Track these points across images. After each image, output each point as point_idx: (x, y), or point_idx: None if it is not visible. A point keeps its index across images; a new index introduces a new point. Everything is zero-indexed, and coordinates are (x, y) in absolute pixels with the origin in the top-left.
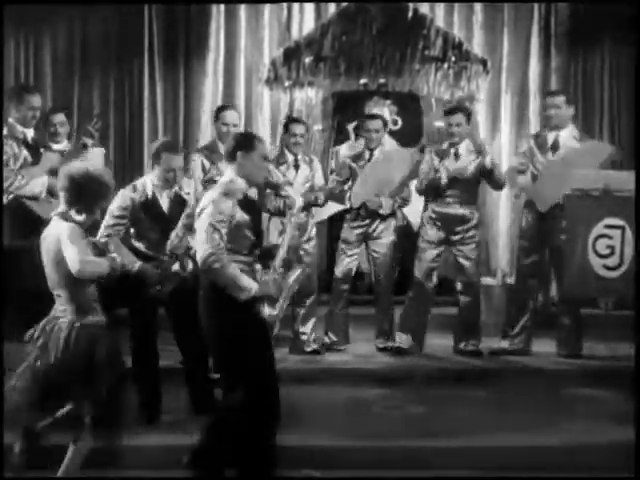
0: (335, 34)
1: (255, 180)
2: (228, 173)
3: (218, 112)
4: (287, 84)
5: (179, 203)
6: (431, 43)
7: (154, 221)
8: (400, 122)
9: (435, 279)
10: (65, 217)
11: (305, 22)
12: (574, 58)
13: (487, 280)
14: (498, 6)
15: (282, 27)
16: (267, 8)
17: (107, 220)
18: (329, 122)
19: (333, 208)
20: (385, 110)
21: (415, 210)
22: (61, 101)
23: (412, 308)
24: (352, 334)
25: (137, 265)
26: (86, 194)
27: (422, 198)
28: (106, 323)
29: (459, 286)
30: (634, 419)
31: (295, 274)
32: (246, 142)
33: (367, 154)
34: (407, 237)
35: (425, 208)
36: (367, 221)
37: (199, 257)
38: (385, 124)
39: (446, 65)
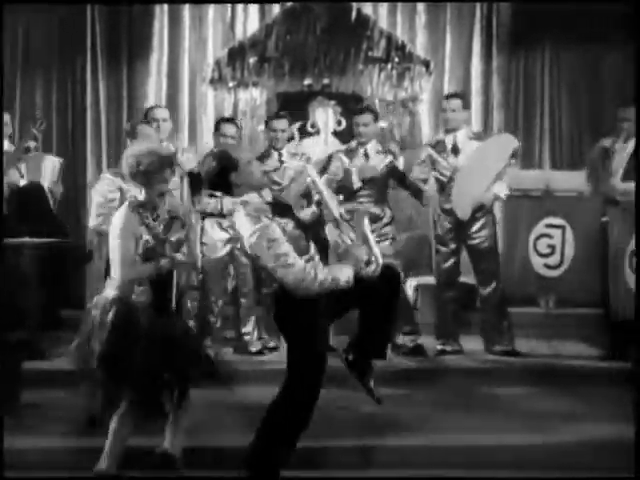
0: (279, 34)
1: (257, 187)
2: (235, 199)
3: (148, 112)
4: (231, 84)
5: None
6: (374, 44)
7: None
8: (344, 123)
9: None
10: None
11: (249, 22)
12: (515, 58)
13: (427, 279)
14: (440, 6)
15: (226, 27)
16: (211, 8)
17: (99, 202)
18: None
19: None
20: (329, 111)
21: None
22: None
23: None
24: None
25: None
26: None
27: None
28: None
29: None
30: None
31: (363, 218)
32: (229, 161)
33: (276, 155)
34: None
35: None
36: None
37: (291, 285)
38: (290, 123)
39: (389, 66)
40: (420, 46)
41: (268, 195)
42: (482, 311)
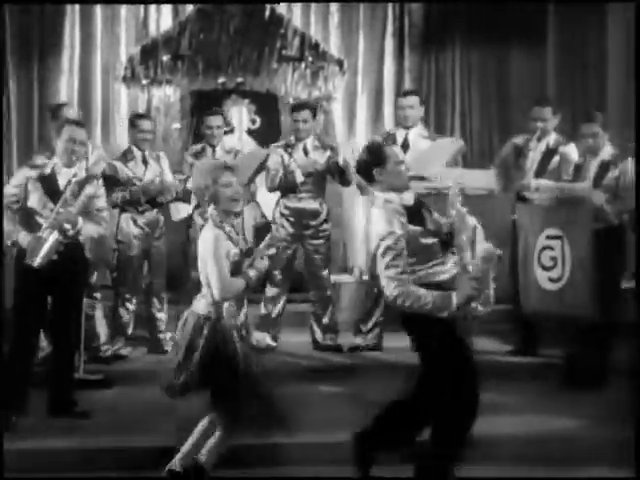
0: (193, 32)
1: (401, 187)
2: (376, 192)
3: (57, 110)
4: (144, 82)
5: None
6: (288, 43)
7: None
8: (258, 121)
9: (289, 275)
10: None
11: (162, 19)
12: (427, 58)
13: (344, 278)
14: (354, 7)
15: (139, 24)
16: (124, 5)
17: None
18: (187, 120)
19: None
20: (243, 109)
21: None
22: None
23: (267, 304)
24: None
25: None
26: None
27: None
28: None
29: (312, 281)
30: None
31: (481, 254)
32: (378, 155)
33: (209, 151)
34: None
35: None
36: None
37: (389, 298)
38: (225, 120)
39: (303, 65)
40: (334, 46)
41: (410, 199)
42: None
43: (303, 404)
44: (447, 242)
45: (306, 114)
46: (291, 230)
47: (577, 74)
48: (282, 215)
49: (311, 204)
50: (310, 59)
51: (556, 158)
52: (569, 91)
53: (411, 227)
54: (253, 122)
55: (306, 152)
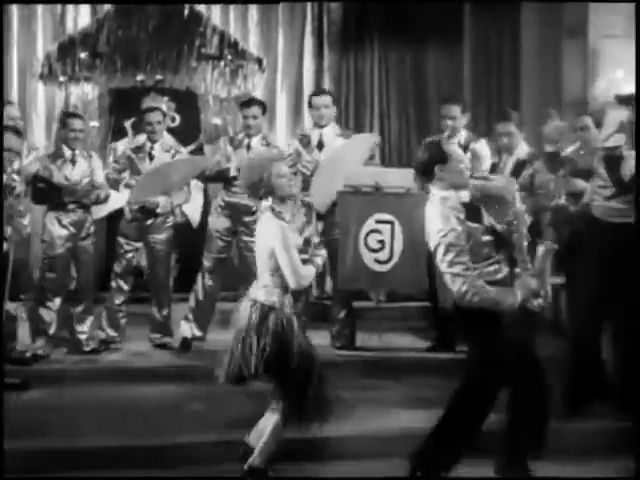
0: (111, 29)
1: (461, 184)
2: (434, 190)
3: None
4: (62, 79)
5: None
6: (207, 41)
7: None
8: (178, 119)
9: (221, 270)
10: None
11: (80, 16)
12: (346, 57)
13: None
14: (272, 5)
15: (56, 21)
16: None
17: None
18: (106, 118)
19: (114, 204)
20: (163, 107)
21: (195, 207)
22: None
23: (197, 298)
24: (129, 331)
25: None
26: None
27: (201, 195)
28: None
29: (245, 277)
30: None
31: (541, 251)
32: (439, 153)
33: (148, 147)
34: (189, 233)
35: (209, 198)
36: (144, 217)
37: (455, 294)
38: (164, 116)
39: (222, 63)
40: (253, 44)
41: (466, 196)
42: (332, 306)
43: (229, 402)
44: (503, 240)
45: (256, 110)
46: (227, 224)
47: (493, 73)
48: (220, 208)
49: (245, 200)
50: (229, 57)
51: (467, 155)
52: (485, 90)
53: (469, 224)
54: (173, 120)
55: (249, 148)
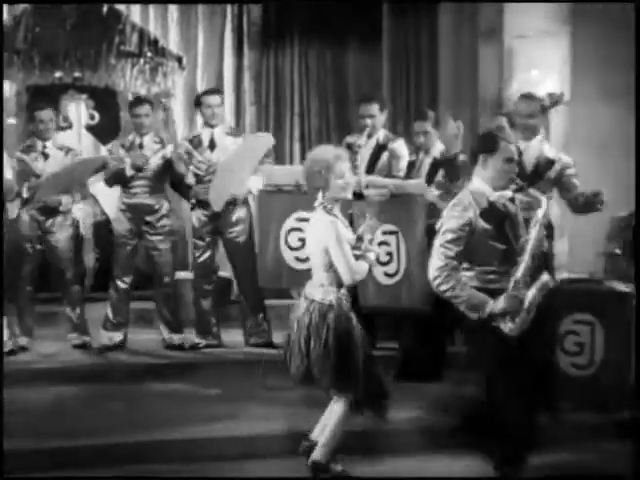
0: (28, 26)
1: (499, 185)
2: (474, 178)
3: None
4: None
5: None
6: (127, 38)
7: None
8: (97, 117)
9: (133, 273)
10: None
11: None
12: (266, 56)
13: (183, 274)
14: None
15: None
16: None
17: None
18: (23, 116)
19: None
20: (81, 104)
21: (114, 205)
22: None
23: (113, 304)
24: (42, 332)
25: None
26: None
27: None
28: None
29: (154, 278)
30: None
31: (539, 284)
32: (489, 143)
33: (40, 145)
34: (108, 233)
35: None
36: (45, 216)
37: (430, 275)
38: (56, 114)
39: (142, 61)
40: (173, 42)
41: (495, 196)
42: (240, 304)
43: (148, 402)
44: (513, 255)
45: (146, 109)
46: (129, 226)
47: (411, 73)
48: (121, 210)
49: (146, 199)
50: (149, 54)
51: (385, 154)
52: (404, 89)
53: (482, 223)
54: (92, 117)
55: (141, 147)
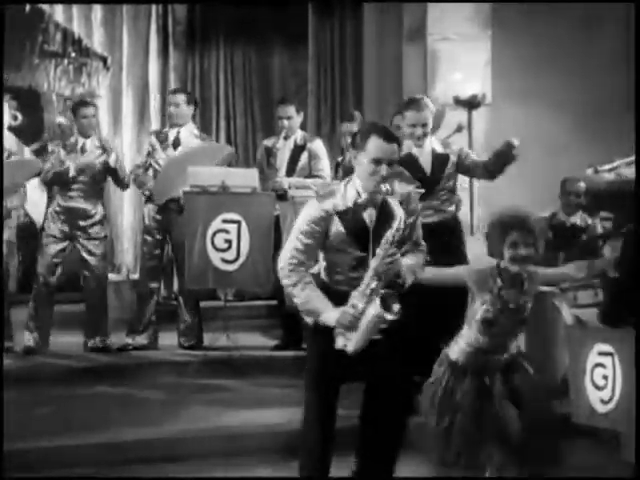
0: None
1: (366, 187)
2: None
3: None
4: None
5: None
6: (50, 38)
7: None
8: (20, 117)
9: (57, 275)
10: None
11: None
12: (191, 56)
13: (112, 276)
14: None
15: None
16: None
17: None
18: None
19: None
20: (4, 105)
21: (38, 206)
22: None
23: (35, 305)
24: None
25: None
26: None
27: (45, 195)
28: None
29: (84, 282)
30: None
31: (372, 309)
32: (358, 137)
33: None
34: (32, 234)
35: (50, 203)
36: None
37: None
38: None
39: (66, 61)
40: (98, 42)
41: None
42: (177, 304)
43: (74, 405)
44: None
45: (92, 111)
46: (61, 227)
47: (336, 74)
48: (55, 213)
49: (82, 204)
50: (73, 54)
51: (304, 155)
52: (329, 90)
53: (337, 222)
54: (15, 118)
55: (83, 150)
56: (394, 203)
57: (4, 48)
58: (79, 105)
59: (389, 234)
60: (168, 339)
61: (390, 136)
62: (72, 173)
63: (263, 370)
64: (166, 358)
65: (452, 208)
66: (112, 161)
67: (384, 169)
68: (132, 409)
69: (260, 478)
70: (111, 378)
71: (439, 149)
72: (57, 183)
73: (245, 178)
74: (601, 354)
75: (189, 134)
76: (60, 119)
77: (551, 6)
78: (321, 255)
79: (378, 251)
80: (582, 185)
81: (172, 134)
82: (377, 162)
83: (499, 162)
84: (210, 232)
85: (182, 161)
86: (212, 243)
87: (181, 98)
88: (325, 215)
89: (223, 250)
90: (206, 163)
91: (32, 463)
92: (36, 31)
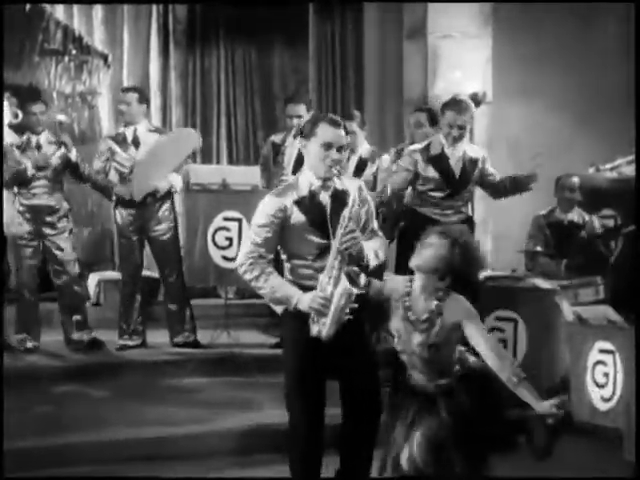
0: None
1: (320, 174)
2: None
3: None
4: None
5: None
6: (50, 36)
7: None
8: (21, 115)
9: (36, 276)
10: None
11: None
12: (192, 55)
13: (110, 274)
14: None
15: None
16: None
17: None
18: None
19: None
20: (5, 102)
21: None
22: None
23: (22, 307)
24: None
25: None
26: None
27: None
28: None
29: (55, 277)
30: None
31: (340, 289)
32: (306, 126)
33: None
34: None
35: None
36: None
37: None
38: None
39: (66, 58)
40: (98, 40)
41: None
42: (165, 303)
43: (64, 404)
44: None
45: (40, 107)
46: (28, 227)
47: (337, 72)
48: (19, 212)
49: (45, 200)
50: (73, 52)
51: None
52: (330, 89)
53: (297, 212)
54: (15, 116)
55: (39, 147)
56: (347, 185)
57: (4, 46)
58: (26, 101)
59: (346, 212)
60: (162, 337)
61: (337, 122)
62: (30, 171)
63: (263, 368)
64: (157, 357)
65: (468, 209)
66: (73, 156)
67: (334, 153)
68: (121, 408)
69: (260, 478)
70: (103, 377)
71: (471, 153)
72: (17, 183)
73: (246, 176)
74: (602, 352)
75: (146, 131)
76: (60, 117)
77: (552, 3)
78: (284, 256)
79: (337, 230)
80: (576, 180)
81: (129, 133)
82: (327, 146)
83: (514, 189)
84: (211, 230)
85: (153, 154)
86: (213, 241)
87: (132, 96)
88: (283, 207)
89: (224, 248)
90: (177, 150)
91: (32, 462)
92: (37, 29)
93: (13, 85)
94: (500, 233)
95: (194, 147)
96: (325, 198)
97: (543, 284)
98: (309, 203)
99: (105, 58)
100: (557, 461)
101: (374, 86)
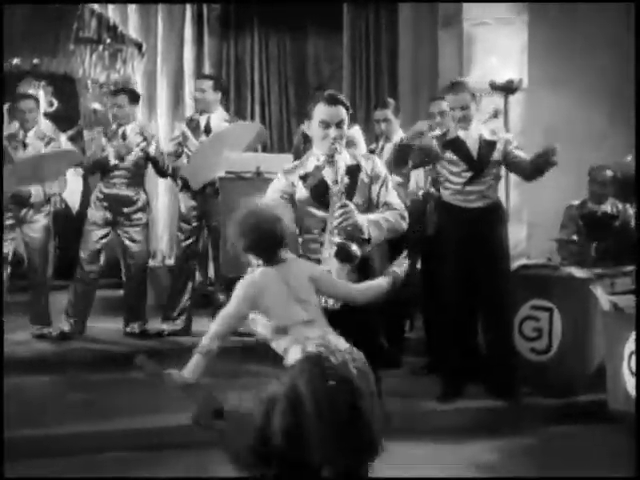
0: None
1: (321, 150)
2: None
3: None
4: None
5: None
6: (85, 24)
7: None
8: (56, 103)
9: (101, 261)
10: None
11: None
12: (226, 43)
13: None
14: None
15: None
16: None
17: None
18: None
19: None
20: (40, 91)
21: (74, 193)
22: None
23: (77, 290)
24: (10, 321)
25: None
26: None
27: (80, 181)
28: None
29: (124, 268)
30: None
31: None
32: (309, 108)
33: (22, 134)
34: (68, 220)
35: (92, 190)
36: (18, 207)
37: None
38: (38, 104)
39: (101, 47)
40: (132, 28)
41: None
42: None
43: (114, 390)
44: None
45: (122, 99)
46: (103, 214)
47: (371, 61)
48: (97, 199)
49: (124, 191)
50: (108, 41)
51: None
52: (364, 77)
53: (301, 188)
54: (51, 104)
55: (125, 137)
56: (360, 160)
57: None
58: (111, 94)
59: (334, 188)
60: (202, 325)
61: (333, 99)
62: (112, 160)
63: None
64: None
65: (496, 194)
66: (152, 150)
67: (332, 131)
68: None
69: None
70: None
71: (487, 135)
72: (98, 170)
73: (280, 164)
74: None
75: (220, 120)
76: (95, 105)
77: None
78: (297, 231)
79: (330, 207)
80: (608, 174)
81: (203, 121)
82: (325, 124)
83: (537, 166)
84: None
85: (213, 144)
86: None
87: (207, 84)
88: (290, 184)
89: None
90: (238, 143)
91: (65, 447)
92: (71, 18)
93: (48, 74)
94: (535, 221)
95: (257, 139)
96: (328, 173)
97: (579, 273)
98: (312, 178)
99: (139, 46)
100: (593, 447)
101: (409, 74)
